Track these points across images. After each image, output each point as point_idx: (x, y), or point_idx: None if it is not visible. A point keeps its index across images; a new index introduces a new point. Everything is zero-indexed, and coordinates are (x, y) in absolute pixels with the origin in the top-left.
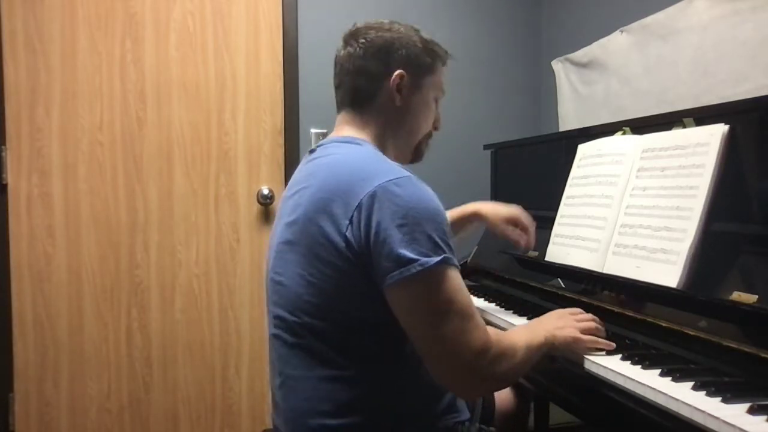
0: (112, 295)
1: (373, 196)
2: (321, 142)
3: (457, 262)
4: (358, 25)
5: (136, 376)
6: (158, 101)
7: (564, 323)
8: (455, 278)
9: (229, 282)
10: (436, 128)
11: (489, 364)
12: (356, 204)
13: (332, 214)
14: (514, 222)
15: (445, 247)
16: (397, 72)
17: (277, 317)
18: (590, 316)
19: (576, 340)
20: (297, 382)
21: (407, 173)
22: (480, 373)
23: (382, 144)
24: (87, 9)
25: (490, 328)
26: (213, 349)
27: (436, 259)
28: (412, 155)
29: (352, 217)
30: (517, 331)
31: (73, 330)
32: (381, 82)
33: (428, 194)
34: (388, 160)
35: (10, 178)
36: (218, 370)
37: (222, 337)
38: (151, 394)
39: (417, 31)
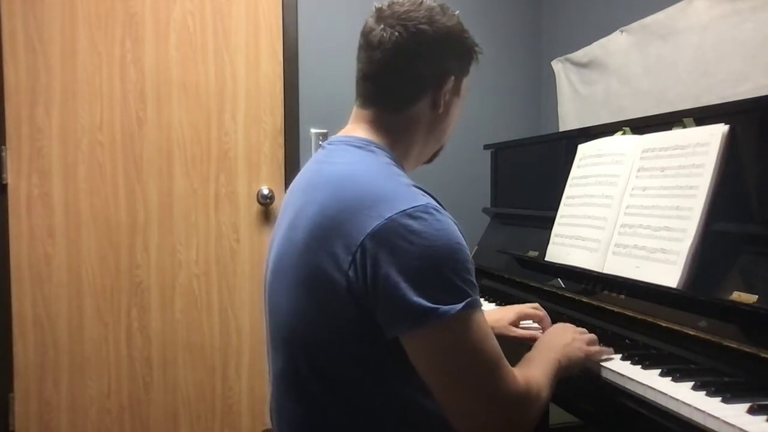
0: (112, 295)
1: (381, 232)
2: (332, 139)
3: (480, 302)
4: (405, 6)
5: (136, 376)
6: (158, 101)
7: (570, 337)
8: (480, 323)
9: (229, 282)
10: None
11: (522, 413)
12: (360, 238)
13: (332, 246)
14: (522, 319)
15: (468, 289)
16: (449, 77)
17: (272, 337)
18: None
19: (587, 355)
20: (287, 413)
21: (424, 200)
22: (513, 423)
23: (407, 147)
24: (87, 9)
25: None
26: (213, 349)
27: (458, 306)
28: (429, 158)
29: (355, 253)
30: (536, 364)
31: (73, 330)
32: (429, 87)
33: (448, 226)
34: (403, 179)
35: (10, 178)
36: (218, 370)
37: (222, 337)
38: (151, 394)
39: (457, 18)
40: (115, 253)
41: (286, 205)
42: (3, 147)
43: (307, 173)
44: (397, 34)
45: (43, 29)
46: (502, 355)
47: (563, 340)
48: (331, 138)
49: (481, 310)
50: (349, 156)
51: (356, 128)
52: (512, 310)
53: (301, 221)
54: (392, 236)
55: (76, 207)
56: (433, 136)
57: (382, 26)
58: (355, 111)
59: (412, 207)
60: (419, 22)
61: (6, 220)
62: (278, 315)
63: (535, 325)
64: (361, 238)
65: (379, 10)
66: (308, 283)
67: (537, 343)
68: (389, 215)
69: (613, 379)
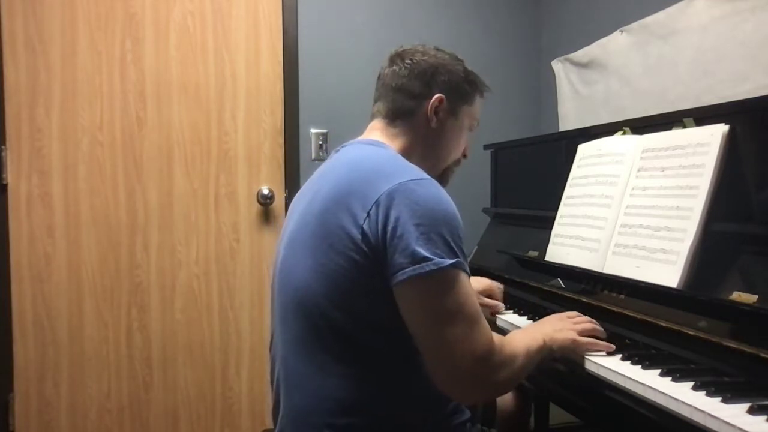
0: (112, 295)
1: (392, 193)
2: (346, 143)
3: (468, 270)
4: (405, 46)
5: (136, 376)
6: (158, 101)
7: (562, 326)
8: (466, 283)
9: (229, 282)
10: (465, 156)
11: (490, 371)
12: (375, 198)
13: (350, 206)
14: (488, 293)
15: (459, 252)
16: (437, 95)
17: (284, 309)
18: (587, 318)
19: (574, 342)
20: (301, 378)
21: (428, 176)
22: (480, 379)
23: (408, 156)
24: (87, 9)
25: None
26: (213, 349)
27: (450, 261)
28: (438, 180)
29: (370, 210)
30: (517, 336)
31: (73, 330)
32: (420, 101)
33: (447, 198)
34: (409, 163)
35: (10, 178)
36: (218, 370)
37: (222, 337)
38: (151, 394)
39: (461, 61)
40: (115, 253)
41: (301, 195)
42: (3, 147)
43: (322, 168)
44: (395, 66)
45: (43, 29)
46: (483, 316)
47: (554, 327)
48: (346, 143)
49: (468, 278)
50: (363, 149)
51: (368, 134)
52: (481, 282)
53: (319, 196)
54: (401, 196)
55: (76, 207)
56: (431, 150)
57: (387, 63)
58: (369, 124)
59: (419, 178)
60: (412, 55)
61: (6, 220)
62: (292, 282)
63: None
64: (376, 197)
65: (390, 55)
66: (326, 240)
67: (528, 326)
68: (399, 181)
69: (613, 379)
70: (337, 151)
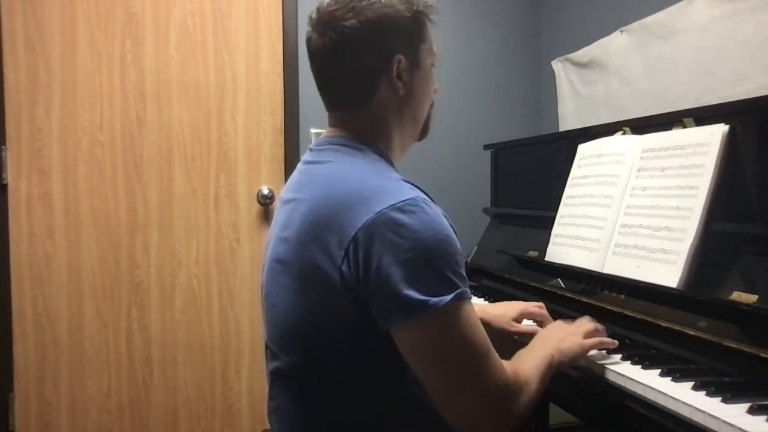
0: (112, 295)
1: (372, 226)
2: (317, 142)
3: (470, 293)
4: (329, 6)
5: (136, 376)
6: (158, 101)
7: (565, 333)
8: (469, 314)
9: (229, 282)
10: (434, 92)
11: (511, 404)
12: (352, 234)
13: (325, 242)
14: (524, 316)
15: (458, 281)
16: (396, 58)
17: (267, 339)
18: (587, 318)
19: (581, 347)
20: (284, 410)
21: (413, 194)
22: (502, 414)
23: (386, 138)
24: (87, 9)
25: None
26: (213, 349)
27: (448, 297)
28: (419, 135)
29: (348, 248)
30: (527, 357)
31: (73, 330)
32: (380, 75)
33: (437, 219)
34: (392, 174)
35: (10, 178)
36: (218, 370)
37: (222, 337)
38: (151, 394)
39: None
40: (115, 253)
41: (279, 208)
42: (3, 147)
43: (297, 175)
44: (328, 39)
45: (43, 29)
46: (491, 346)
47: (558, 336)
48: (317, 140)
49: (471, 302)
50: (337, 156)
51: (335, 130)
52: (516, 307)
53: (294, 221)
54: (383, 229)
55: (76, 207)
56: (409, 117)
57: (316, 34)
58: (328, 115)
59: (401, 201)
60: (345, 19)
61: (6, 220)
62: (275, 314)
63: (534, 324)
64: (353, 233)
65: (310, 18)
66: (303, 280)
67: (533, 339)
68: (379, 209)
69: (613, 379)
70: (311, 150)
